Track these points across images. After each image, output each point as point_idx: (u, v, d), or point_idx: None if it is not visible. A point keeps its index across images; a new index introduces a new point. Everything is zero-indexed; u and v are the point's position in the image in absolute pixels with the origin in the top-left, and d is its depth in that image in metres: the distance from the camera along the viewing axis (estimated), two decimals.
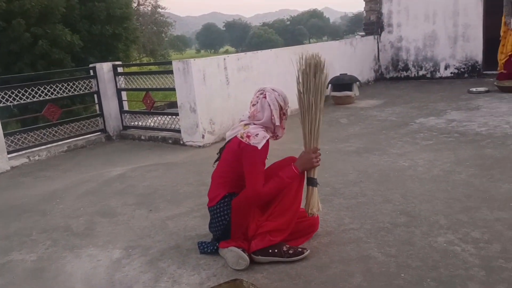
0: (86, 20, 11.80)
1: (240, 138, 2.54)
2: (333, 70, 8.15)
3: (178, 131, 5.97)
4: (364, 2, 10.42)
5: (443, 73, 9.63)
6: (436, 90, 8.41)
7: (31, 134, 5.84)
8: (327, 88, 7.69)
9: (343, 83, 7.59)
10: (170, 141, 6.05)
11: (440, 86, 8.80)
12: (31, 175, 5.06)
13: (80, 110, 9.58)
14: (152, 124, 6.56)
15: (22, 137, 5.70)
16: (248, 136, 2.52)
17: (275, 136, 2.72)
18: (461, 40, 9.30)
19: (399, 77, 10.18)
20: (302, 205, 2.73)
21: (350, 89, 7.55)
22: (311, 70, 2.62)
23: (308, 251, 2.62)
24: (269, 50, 7.12)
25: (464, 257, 2.47)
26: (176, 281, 2.50)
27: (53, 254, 2.96)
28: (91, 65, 6.64)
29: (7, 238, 3.30)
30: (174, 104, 7.87)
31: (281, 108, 2.66)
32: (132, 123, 6.75)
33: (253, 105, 2.65)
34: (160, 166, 4.88)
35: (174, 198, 3.84)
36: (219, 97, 5.85)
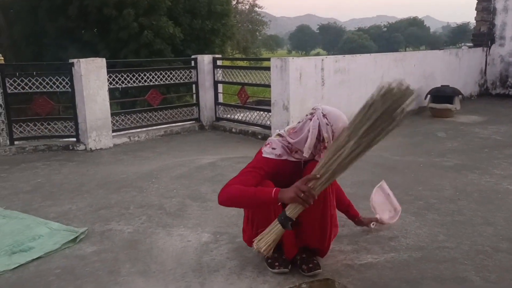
0: (188, 14, 12.39)
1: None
2: (433, 81, 7.77)
3: (269, 127, 6.05)
4: (475, 12, 9.77)
5: None
6: None
7: (134, 116, 6.27)
8: (425, 98, 7.39)
9: (444, 95, 7.19)
10: (259, 136, 6.15)
11: None
12: (130, 154, 5.43)
13: (173, 98, 10.09)
14: (242, 118, 6.72)
15: (126, 118, 6.14)
16: (266, 144, 2.50)
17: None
18: None
19: (507, 94, 9.40)
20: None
21: (450, 102, 7.13)
22: (387, 100, 2.17)
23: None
24: (368, 54, 6.96)
25: None
26: (261, 272, 2.52)
27: (147, 229, 3.15)
28: (193, 56, 6.96)
29: (108, 208, 3.56)
30: (261, 102, 8.00)
31: (322, 139, 2.33)
32: (224, 116, 6.96)
33: (299, 122, 2.46)
34: (249, 159, 4.92)
35: None
36: (313, 98, 5.83)
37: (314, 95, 5.84)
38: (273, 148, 2.46)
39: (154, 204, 3.63)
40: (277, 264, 2.52)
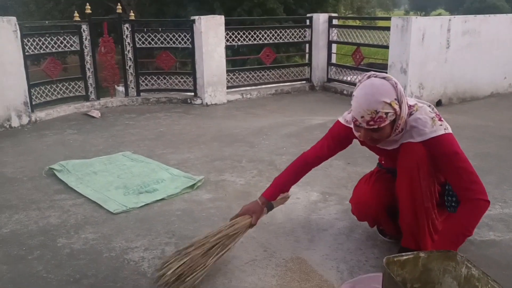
0: None
1: None
2: None
3: None
4: None
5: None
6: None
7: (247, 74, 6.42)
8: None
9: None
10: None
11: None
12: (242, 110, 5.60)
13: (282, 58, 10.06)
14: (354, 80, 6.49)
15: (239, 76, 6.32)
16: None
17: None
18: None
19: None
20: None
21: None
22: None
23: None
24: (504, 15, 6.21)
25: None
26: (370, 236, 2.49)
27: (258, 183, 3.26)
28: (308, 15, 6.83)
29: (222, 160, 3.75)
30: (372, 65, 7.59)
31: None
32: (335, 77, 6.80)
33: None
34: None
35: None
36: (435, 61, 5.41)
37: (437, 58, 5.42)
38: (348, 113, 2.19)
39: (265, 159, 3.73)
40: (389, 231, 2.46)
